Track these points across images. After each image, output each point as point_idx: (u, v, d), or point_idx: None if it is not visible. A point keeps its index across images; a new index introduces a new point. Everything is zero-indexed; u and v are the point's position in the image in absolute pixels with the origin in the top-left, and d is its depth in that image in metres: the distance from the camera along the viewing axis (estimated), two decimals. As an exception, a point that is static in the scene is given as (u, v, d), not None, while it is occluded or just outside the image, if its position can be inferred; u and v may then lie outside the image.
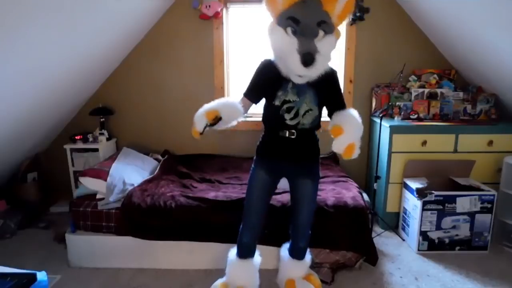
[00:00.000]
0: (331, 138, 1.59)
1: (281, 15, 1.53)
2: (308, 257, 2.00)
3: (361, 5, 2.89)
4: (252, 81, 1.77)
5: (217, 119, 1.60)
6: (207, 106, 1.63)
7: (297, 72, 1.55)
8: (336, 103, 1.75)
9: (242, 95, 1.79)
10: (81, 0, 1.98)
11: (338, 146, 1.59)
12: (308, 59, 1.48)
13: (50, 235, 2.72)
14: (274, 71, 1.64)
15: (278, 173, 1.85)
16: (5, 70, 1.95)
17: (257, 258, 1.97)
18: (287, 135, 1.72)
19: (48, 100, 2.62)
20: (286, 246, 2.04)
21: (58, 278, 2.21)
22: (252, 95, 1.78)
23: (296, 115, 1.68)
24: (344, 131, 1.57)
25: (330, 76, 1.67)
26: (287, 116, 1.69)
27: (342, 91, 1.81)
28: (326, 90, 1.71)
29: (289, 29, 1.52)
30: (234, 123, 1.73)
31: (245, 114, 1.82)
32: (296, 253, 1.96)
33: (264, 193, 1.85)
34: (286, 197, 2.16)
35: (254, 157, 1.87)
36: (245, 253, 1.91)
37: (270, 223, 2.13)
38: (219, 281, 1.99)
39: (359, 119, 1.66)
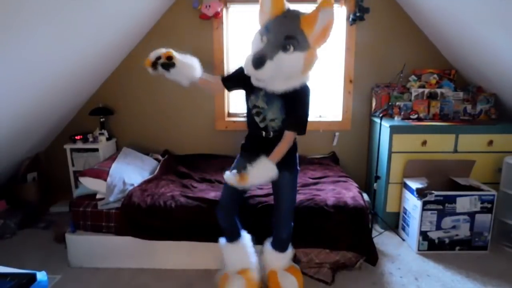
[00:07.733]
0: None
1: (263, 25, 1.66)
2: (290, 249, 2.02)
3: (361, 5, 2.89)
4: (234, 71, 1.89)
5: (170, 60, 1.70)
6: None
7: (248, 71, 1.62)
8: (288, 118, 1.77)
9: (219, 76, 1.93)
10: (81, 0, 1.98)
11: None
12: (257, 61, 1.54)
13: (50, 235, 2.71)
14: None
15: None
16: (4, 71, 1.95)
17: (246, 237, 2.04)
18: (263, 135, 1.83)
19: (48, 100, 2.62)
20: (269, 240, 2.05)
21: (58, 278, 2.22)
22: (226, 80, 1.91)
23: (264, 119, 1.81)
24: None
25: (297, 93, 1.68)
26: (257, 119, 1.84)
27: (307, 109, 1.76)
28: (289, 105, 1.75)
29: (264, 37, 1.61)
30: (186, 81, 1.79)
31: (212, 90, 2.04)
32: (279, 245, 1.99)
33: None
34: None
35: (239, 152, 1.98)
36: (230, 236, 2.01)
37: (270, 222, 2.13)
38: (220, 274, 2.05)
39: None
